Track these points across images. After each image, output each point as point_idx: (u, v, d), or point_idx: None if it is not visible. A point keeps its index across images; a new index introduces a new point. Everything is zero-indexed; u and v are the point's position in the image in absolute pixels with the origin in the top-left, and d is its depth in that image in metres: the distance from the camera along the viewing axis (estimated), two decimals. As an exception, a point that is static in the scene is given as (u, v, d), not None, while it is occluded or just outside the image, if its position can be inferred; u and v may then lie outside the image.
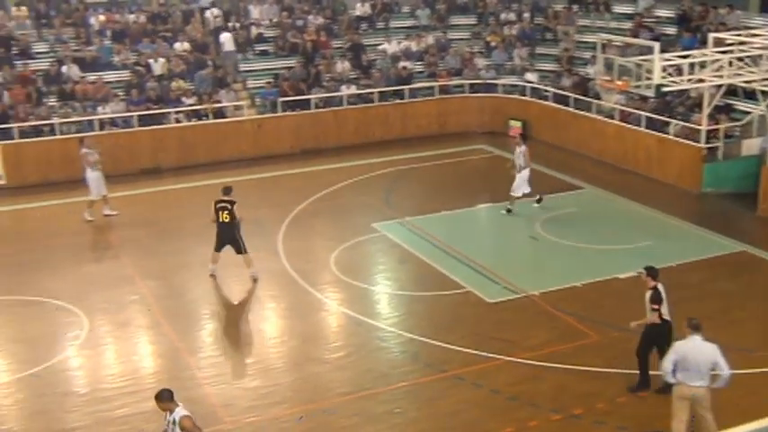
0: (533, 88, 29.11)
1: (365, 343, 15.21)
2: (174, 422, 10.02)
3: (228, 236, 17.55)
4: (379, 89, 29.08)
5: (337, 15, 32.98)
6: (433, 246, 19.44)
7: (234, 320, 16.44)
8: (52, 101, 26.61)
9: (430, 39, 31.93)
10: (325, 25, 31.85)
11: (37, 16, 30.23)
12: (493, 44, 31.61)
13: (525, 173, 21.18)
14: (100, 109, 26.41)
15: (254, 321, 16.40)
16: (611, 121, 25.86)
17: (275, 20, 31.97)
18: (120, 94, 27.23)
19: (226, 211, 17.39)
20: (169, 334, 15.63)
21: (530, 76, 29.66)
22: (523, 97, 29.27)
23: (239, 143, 27.24)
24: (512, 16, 32.85)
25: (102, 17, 30.33)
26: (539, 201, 21.57)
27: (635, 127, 24.92)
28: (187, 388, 13.69)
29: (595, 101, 26.51)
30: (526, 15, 32.60)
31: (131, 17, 30.53)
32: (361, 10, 33.05)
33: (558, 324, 15.55)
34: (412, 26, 33.12)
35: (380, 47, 31.33)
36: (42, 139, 25.35)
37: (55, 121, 25.61)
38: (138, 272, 18.37)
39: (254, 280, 17.77)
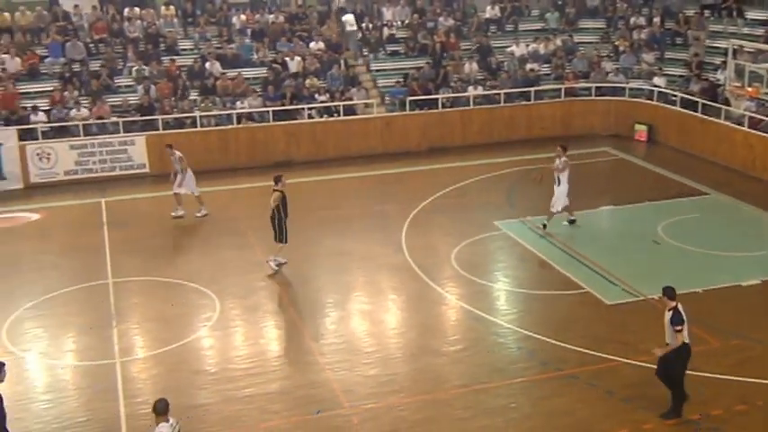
0: (660, 92, 28.19)
1: (482, 338, 15.08)
2: None
3: (272, 223, 17.89)
4: (505, 90, 28.81)
5: (467, 18, 32.89)
6: (553, 246, 19.11)
7: (356, 310, 16.56)
8: (194, 95, 27.51)
9: (558, 42, 31.42)
10: (455, 27, 31.79)
11: (183, 15, 31.33)
12: (621, 48, 30.84)
13: (564, 188, 19.64)
14: (238, 103, 27.14)
15: (375, 312, 16.48)
16: (739, 127, 24.77)
17: (407, 21, 32.12)
18: (258, 90, 27.92)
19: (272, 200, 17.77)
20: (295, 320, 15.92)
21: (657, 80, 28.76)
22: (650, 101, 28.40)
23: (368, 140, 27.48)
24: (641, 20, 31.95)
25: (243, 17, 31.17)
26: (572, 221, 20.22)
27: (764, 134, 23.80)
28: (310, 372, 13.94)
29: (724, 107, 25.50)
30: (656, 20, 31.64)
31: (271, 17, 31.25)
32: (490, 13, 32.83)
33: (678, 329, 15.02)
34: (540, 29, 32.68)
35: (508, 49, 31.05)
36: (184, 130, 26.20)
37: (196, 114, 26.46)
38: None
39: (273, 269, 17.90)
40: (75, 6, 30.49)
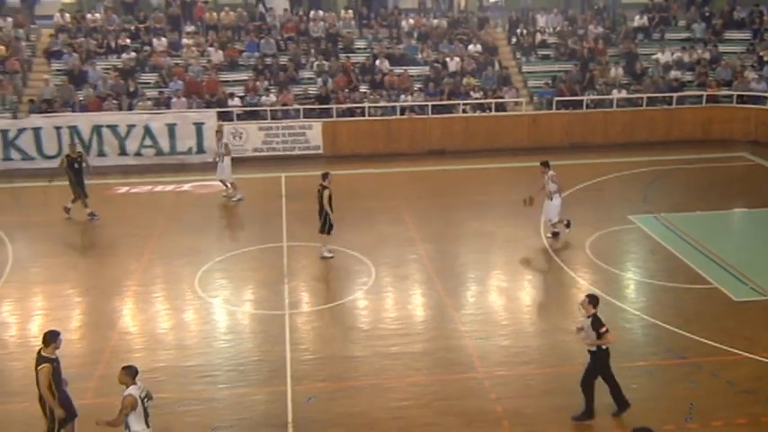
0: (802, 103, 26.27)
1: (610, 321, 14.30)
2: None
3: (320, 216, 17.28)
4: (648, 95, 27.61)
5: (616, 26, 31.72)
6: (685, 242, 18.18)
7: (495, 286, 16.39)
8: (364, 88, 27.88)
9: (704, 53, 29.77)
10: (604, 34, 30.74)
11: (359, 18, 31.79)
12: (766, 58, 28.85)
13: (557, 200, 18.05)
14: (402, 97, 27.30)
15: (512, 289, 16.25)
16: None
17: (558, 28, 31.33)
18: (420, 86, 27.96)
19: (319, 195, 17.20)
20: (439, 290, 15.90)
21: (800, 90, 26.80)
22: (791, 111, 26.52)
23: (516, 134, 27.03)
24: (788, 33, 29.84)
25: (411, 21, 31.33)
26: (567, 225, 18.39)
27: None
28: (450, 338, 13.92)
29: None
30: (803, 33, 29.48)
31: (435, 21, 31.25)
32: (639, 21, 31.55)
33: (804, 329, 14.01)
34: (686, 39, 31.08)
35: (654, 56, 29.71)
36: (354, 119, 26.65)
37: (365, 105, 26.82)
38: (420, 236, 18.83)
39: (327, 256, 17.46)
40: (270, 9, 31.57)
